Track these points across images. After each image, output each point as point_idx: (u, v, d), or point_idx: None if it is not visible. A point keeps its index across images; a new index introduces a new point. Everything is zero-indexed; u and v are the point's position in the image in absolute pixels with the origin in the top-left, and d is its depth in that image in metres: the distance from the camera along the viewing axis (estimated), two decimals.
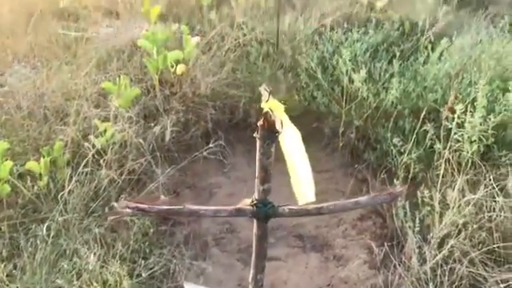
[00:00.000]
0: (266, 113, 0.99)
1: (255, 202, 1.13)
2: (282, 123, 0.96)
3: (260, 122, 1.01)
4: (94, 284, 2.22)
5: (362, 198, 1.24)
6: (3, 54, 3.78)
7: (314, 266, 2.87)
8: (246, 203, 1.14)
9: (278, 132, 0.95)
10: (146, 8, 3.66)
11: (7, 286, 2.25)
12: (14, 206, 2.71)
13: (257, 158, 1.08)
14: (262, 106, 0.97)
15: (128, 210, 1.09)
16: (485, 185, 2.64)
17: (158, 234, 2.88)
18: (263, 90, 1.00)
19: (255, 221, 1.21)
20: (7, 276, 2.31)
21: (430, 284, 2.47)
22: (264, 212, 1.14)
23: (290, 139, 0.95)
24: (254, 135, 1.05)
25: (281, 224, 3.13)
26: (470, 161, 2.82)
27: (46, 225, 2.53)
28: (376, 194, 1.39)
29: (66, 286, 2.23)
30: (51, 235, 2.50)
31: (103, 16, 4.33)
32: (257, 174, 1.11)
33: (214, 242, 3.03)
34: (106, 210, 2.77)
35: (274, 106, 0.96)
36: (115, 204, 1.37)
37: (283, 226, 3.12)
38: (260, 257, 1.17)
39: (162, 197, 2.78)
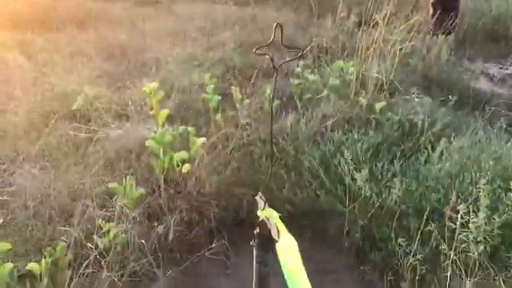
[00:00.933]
0: (262, 221, 1.01)
1: None
2: (276, 234, 0.98)
3: (256, 231, 1.02)
4: None
5: None
6: (15, 155, 3.89)
7: None
8: None
9: (274, 240, 0.97)
10: (155, 111, 3.82)
11: None
12: None
13: (253, 266, 1.08)
14: (258, 214, 0.99)
15: None
16: None
17: None
18: (259, 199, 1.02)
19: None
20: None
21: None
22: None
23: (287, 248, 0.96)
24: (251, 243, 1.05)
25: None
26: (477, 262, 2.76)
27: None
28: None
29: None
30: None
31: (114, 118, 4.51)
32: (253, 284, 1.10)
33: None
34: None
35: (269, 215, 0.98)
36: None
37: None
38: None
39: None
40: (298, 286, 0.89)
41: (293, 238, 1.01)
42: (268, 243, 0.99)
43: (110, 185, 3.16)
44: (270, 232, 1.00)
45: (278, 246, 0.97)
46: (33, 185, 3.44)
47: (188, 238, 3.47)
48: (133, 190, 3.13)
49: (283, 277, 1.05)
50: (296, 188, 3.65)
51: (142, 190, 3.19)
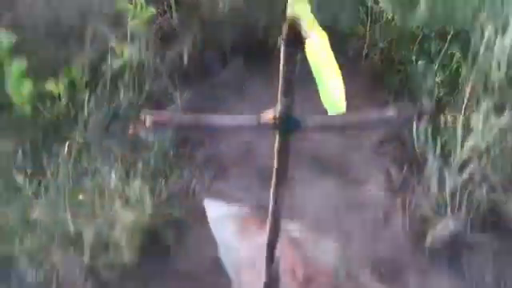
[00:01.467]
0: (292, 18, 0.93)
1: (278, 114, 1.09)
2: (307, 29, 0.91)
3: (284, 28, 0.95)
4: (117, 201, 2.27)
5: (391, 114, 1.20)
6: None
7: (332, 190, 2.89)
8: (267, 117, 1.11)
9: (303, 39, 0.90)
10: None
11: (33, 202, 2.32)
12: (34, 128, 2.74)
13: (280, 68, 1.04)
14: (287, 10, 0.91)
15: (148, 124, 1.07)
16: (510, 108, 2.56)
17: (178, 156, 2.91)
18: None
19: (277, 135, 1.18)
20: (32, 193, 2.38)
21: (449, 207, 2.47)
22: (287, 125, 1.11)
23: (317, 45, 0.90)
24: (279, 43, 1.00)
25: (298, 149, 3.11)
26: (497, 85, 2.72)
27: (66, 145, 2.57)
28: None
29: (88, 202, 2.29)
30: (72, 155, 2.54)
31: None
32: (280, 86, 1.07)
33: (233, 163, 3.05)
34: (126, 131, 2.79)
35: (300, 10, 0.90)
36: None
37: (303, 150, 3.11)
38: (281, 174, 1.16)
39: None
40: (329, 80, 0.84)
41: (324, 33, 0.94)
42: (297, 39, 0.92)
43: (119, 4, 3.00)
44: (299, 30, 0.93)
45: (308, 42, 0.90)
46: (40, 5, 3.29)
47: (202, 62, 3.43)
48: (143, 10, 2.99)
49: (309, 79, 1.02)
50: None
51: (152, 10, 3.05)
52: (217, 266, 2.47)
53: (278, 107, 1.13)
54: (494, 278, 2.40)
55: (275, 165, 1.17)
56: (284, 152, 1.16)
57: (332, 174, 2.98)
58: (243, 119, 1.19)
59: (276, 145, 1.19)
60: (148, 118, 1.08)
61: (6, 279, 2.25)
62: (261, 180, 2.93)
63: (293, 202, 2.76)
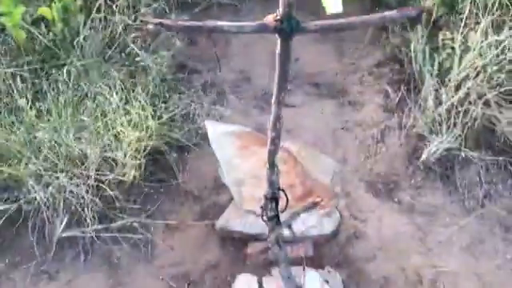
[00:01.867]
0: None
1: (279, 17, 1.10)
2: None
3: None
4: (119, 122, 2.30)
5: (388, 13, 1.20)
6: None
7: (330, 112, 2.93)
8: (269, 19, 1.12)
9: None
10: None
11: (37, 125, 2.35)
12: (31, 53, 2.72)
13: None
14: None
15: (151, 26, 1.08)
16: (509, 26, 2.55)
17: (176, 81, 2.92)
18: None
19: (279, 39, 1.19)
20: (35, 116, 2.40)
21: (444, 125, 2.52)
22: (288, 27, 1.12)
23: None
24: None
25: (298, 73, 3.13)
26: (496, 2, 2.68)
27: (65, 70, 2.57)
28: (402, 8, 1.34)
29: (91, 124, 2.32)
30: (72, 79, 2.54)
31: None
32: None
33: (231, 89, 3.07)
34: (123, 55, 2.78)
35: None
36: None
37: (300, 75, 3.13)
38: (283, 78, 1.18)
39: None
40: None
41: None
42: None
43: None
44: None
45: None
46: None
47: None
48: None
49: None
50: None
51: None
52: (217, 184, 2.56)
53: (280, 10, 1.13)
54: (485, 190, 2.49)
55: (276, 69, 1.19)
56: (285, 55, 1.17)
57: (330, 97, 3.01)
58: (246, 23, 1.20)
59: (277, 49, 1.20)
60: (155, 22, 1.09)
61: (14, 200, 2.32)
62: (259, 106, 2.97)
63: (292, 123, 2.82)
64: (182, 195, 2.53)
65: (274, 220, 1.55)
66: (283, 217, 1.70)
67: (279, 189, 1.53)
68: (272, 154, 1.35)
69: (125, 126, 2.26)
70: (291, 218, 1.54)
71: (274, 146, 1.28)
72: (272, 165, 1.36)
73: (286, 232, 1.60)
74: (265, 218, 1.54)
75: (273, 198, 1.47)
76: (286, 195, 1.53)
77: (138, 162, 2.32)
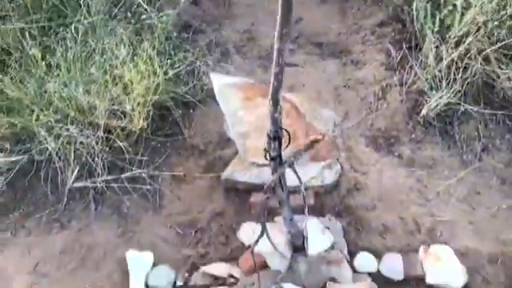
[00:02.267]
0: None
1: None
2: None
3: None
4: (127, 76, 2.36)
5: None
6: None
7: (332, 70, 2.98)
8: None
9: None
10: None
11: (47, 79, 2.42)
12: (38, 11, 2.76)
13: None
14: None
15: None
16: None
17: (181, 39, 2.96)
18: None
19: None
20: (45, 72, 2.47)
21: (444, 81, 2.57)
22: None
23: None
24: None
25: (301, 33, 3.17)
26: None
27: (72, 27, 2.61)
28: None
29: (100, 78, 2.38)
30: (79, 36, 2.59)
31: None
32: None
33: (235, 49, 3.11)
34: (129, 13, 2.82)
35: None
36: None
37: (303, 35, 3.16)
38: (286, 10, 1.21)
39: None
40: None
41: None
42: None
43: None
44: None
45: None
46: None
47: None
48: None
49: None
50: None
51: None
52: (222, 139, 2.63)
53: None
54: (483, 145, 2.56)
55: (280, 4, 1.22)
56: None
57: (333, 57, 3.05)
58: None
59: None
60: None
61: (26, 151, 2.41)
62: (263, 65, 3.02)
63: (295, 81, 2.87)
64: (188, 149, 2.60)
65: (277, 160, 1.61)
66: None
67: (281, 128, 1.58)
68: (275, 91, 1.40)
69: (133, 77, 2.31)
70: (293, 157, 1.60)
71: (277, 81, 1.33)
72: (275, 102, 1.41)
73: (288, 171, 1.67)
74: (268, 157, 1.60)
75: (275, 137, 1.53)
76: (288, 134, 1.59)
77: (145, 115, 2.39)
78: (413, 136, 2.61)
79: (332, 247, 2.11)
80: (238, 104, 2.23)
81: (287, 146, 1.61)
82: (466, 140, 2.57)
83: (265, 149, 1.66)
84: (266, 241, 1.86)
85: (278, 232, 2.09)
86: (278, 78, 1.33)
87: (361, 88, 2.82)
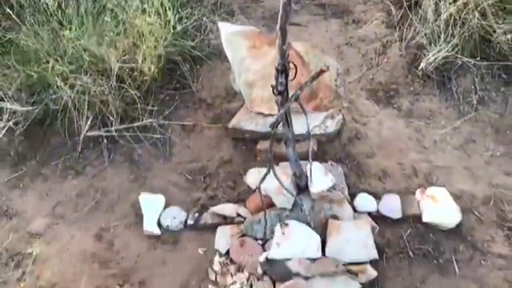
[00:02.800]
0: None
1: None
2: None
3: None
4: (137, 29, 2.46)
5: None
6: None
7: (334, 30, 3.07)
8: None
9: None
10: None
11: (61, 31, 2.52)
12: None
13: None
14: None
15: None
16: None
17: None
18: None
19: None
20: (58, 27, 2.57)
21: (442, 35, 2.67)
22: None
23: None
24: None
25: None
26: None
27: None
28: None
29: (111, 31, 2.48)
30: None
31: None
32: None
33: (240, 10, 3.20)
34: None
35: None
36: None
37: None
38: None
39: None
40: None
41: None
42: None
43: None
44: None
45: None
46: None
47: None
48: None
49: None
50: None
51: None
52: (228, 94, 2.74)
53: None
54: (479, 97, 2.66)
55: None
56: None
57: (335, 17, 3.14)
58: None
59: None
60: None
61: (42, 100, 2.52)
62: (267, 25, 3.11)
63: (299, 40, 2.96)
64: (196, 102, 2.71)
65: (284, 95, 1.72)
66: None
67: (289, 62, 1.67)
68: (284, 22, 1.49)
69: (144, 27, 2.41)
70: (300, 89, 1.70)
71: (285, 12, 1.43)
72: (284, 33, 1.51)
73: (294, 105, 1.77)
74: (275, 92, 1.70)
75: (283, 71, 1.63)
76: (295, 66, 1.69)
77: (155, 66, 2.49)
78: (411, 89, 2.72)
79: (334, 188, 2.23)
80: (244, 53, 2.33)
81: (293, 78, 1.71)
82: (463, 92, 2.68)
83: (272, 85, 1.77)
84: (273, 181, 1.99)
85: (283, 174, 2.20)
86: (285, 9, 1.43)
87: (362, 45, 2.92)
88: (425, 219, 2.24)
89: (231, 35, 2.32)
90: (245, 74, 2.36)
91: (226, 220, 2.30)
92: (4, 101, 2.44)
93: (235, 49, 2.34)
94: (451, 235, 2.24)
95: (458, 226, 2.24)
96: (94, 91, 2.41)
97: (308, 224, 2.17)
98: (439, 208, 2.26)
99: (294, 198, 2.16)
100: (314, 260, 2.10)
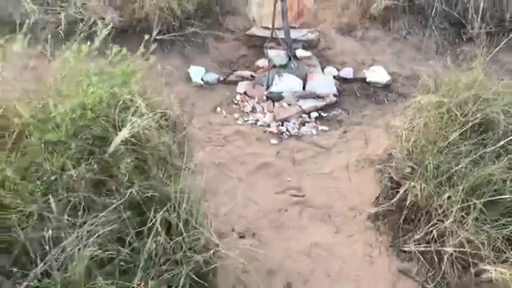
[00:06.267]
0: None
1: None
2: None
3: None
4: None
5: None
6: None
7: None
8: None
9: None
10: None
11: None
12: None
13: None
14: None
15: None
16: None
17: None
18: None
19: None
20: None
21: None
22: None
23: None
24: None
25: None
26: None
27: None
28: None
29: None
30: None
31: None
32: None
33: None
34: None
35: None
36: None
37: None
38: None
39: None
40: None
41: None
42: None
43: None
44: None
45: None
46: None
47: None
48: None
49: None
50: None
51: None
52: (246, 26, 4.21)
53: None
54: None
55: None
56: None
57: None
58: None
59: None
60: None
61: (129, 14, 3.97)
62: None
63: None
64: (223, 30, 4.17)
65: None
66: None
67: None
68: None
69: None
70: None
71: None
72: None
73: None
74: None
75: None
76: None
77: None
78: (364, 25, 4.21)
79: (310, 57, 3.63)
80: None
81: None
82: (397, 28, 4.16)
83: None
84: (273, 53, 3.40)
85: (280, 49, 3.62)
86: None
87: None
88: (368, 79, 3.62)
89: None
90: None
91: (243, 79, 3.66)
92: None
93: None
94: (385, 88, 3.60)
95: (389, 84, 3.61)
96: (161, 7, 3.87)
97: (296, 75, 3.54)
98: (377, 74, 3.64)
99: (287, 61, 3.55)
100: (297, 92, 3.45)
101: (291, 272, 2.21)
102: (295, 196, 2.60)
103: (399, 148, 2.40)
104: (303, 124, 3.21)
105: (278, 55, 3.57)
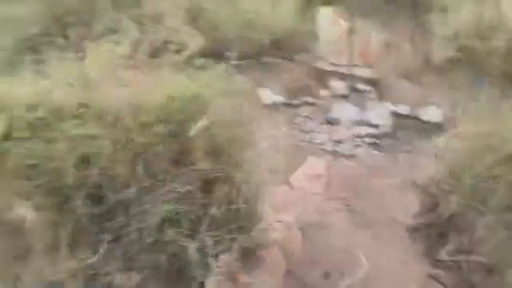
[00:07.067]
0: None
1: None
2: None
3: None
4: None
5: None
6: None
7: None
8: None
9: None
10: None
11: None
12: None
13: None
14: None
15: None
16: None
17: None
18: None
19: None
20: None
21: None
22: None
23: None
24: None
25: None
26: None
27: None
28: None
29: None
30: None
31: None
32: None
33: None
34: None
35: None
36: None
37: None
38: None
39: None
40: None
41: None
42: None
43: None
44: None
45: None
46: None
47: None
48: None
49: None
50: None
51: None
52: None
53: None
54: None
55: None
56: None
57: None
58: None
59: None
60: None
61: None
62: None
63: None
64: (293, 61, 4.60)
65: None
66: None
67: None
68: None
69: None
70: None
71: None
72: None
73: None
74: None
75: None
76: None
77: None
78: (425, 72, 4.50)
79: (370, 91, 3.96)
80: None
81: None
82: (456, 77, 4.42)
83: None
84: (336, 84, 3.77)
85: None
86: None
87: None
88: (422, 117, 3.88)
89: None
90: None
91: (306, 104, 4.03)
92: None
93: None
94: (437, 126, 3.84)
95: (441, 123, 3.85)
96: None
97: (354, 105, 3.87)
98: (431, 113, 3.90)
99: (349, 87, 3.90)
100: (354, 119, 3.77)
101: (330, 263, 2.47)
102: (342, 203, 2.88)
103: (442, 168, 2.64)
104: (356, 147, 3.51)
105: (340, 87, 3.93)
